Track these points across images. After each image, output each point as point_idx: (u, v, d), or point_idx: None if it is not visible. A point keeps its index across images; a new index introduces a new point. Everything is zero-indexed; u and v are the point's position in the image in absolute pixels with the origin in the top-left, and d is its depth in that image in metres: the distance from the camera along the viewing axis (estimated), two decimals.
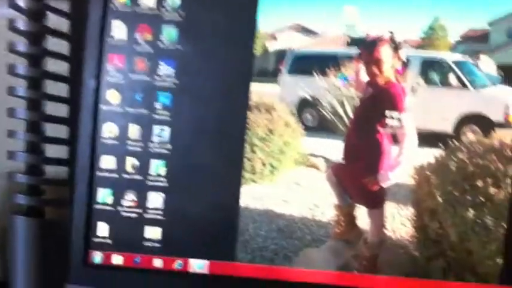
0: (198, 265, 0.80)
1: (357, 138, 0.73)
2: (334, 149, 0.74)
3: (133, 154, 0.78)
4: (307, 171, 0.72)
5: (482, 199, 0.74)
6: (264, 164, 0.74)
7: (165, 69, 0.74)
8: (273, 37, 0.71)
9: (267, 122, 0.71)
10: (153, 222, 0.79)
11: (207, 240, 0.79)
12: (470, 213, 0.74)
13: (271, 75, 0.70)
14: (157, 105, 0.78)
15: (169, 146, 0.77)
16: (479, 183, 0.74)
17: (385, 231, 0.76)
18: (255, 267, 0.79)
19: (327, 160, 0.71)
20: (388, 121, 0.70)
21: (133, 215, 0.79)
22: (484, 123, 0.70)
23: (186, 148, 0.77)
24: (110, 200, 0.79)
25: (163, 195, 0.79)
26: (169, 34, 0.73)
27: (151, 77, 0.75)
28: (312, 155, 0.71)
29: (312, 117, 0.71)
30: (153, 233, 0.80)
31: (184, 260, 0.80)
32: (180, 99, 0.77)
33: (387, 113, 0.71)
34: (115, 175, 0.79)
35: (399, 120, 0.70)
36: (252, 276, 0.79)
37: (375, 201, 0.77)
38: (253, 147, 0.73)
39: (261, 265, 0.79)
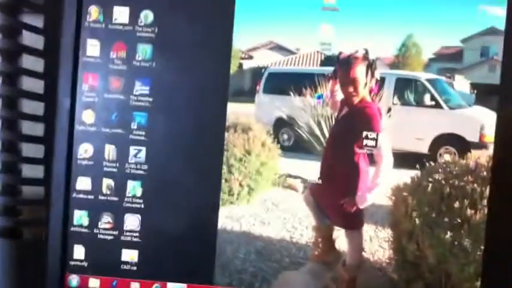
0: None
1: (333, 158, 0.73)
2: (311, 169, 0.74)
3: (109, 175, 0.78)
4: (285, 192, 0.71)
5: (459, 220, 0.73)
6: (241, 185, 0.73)
7: (141, 88, 0.73)
8: (249, 56, 0.71)
9: (243, 142, 0.71)
10: (130, 245, 0.78)
11: (185, 263, 0.78)
12: (448, 234, 0.72)
13: (247, 95, 0.70)
14: (133, 125, 0.77)
15: (145, 167, 0.77)
16: (456, 204, 0.74)
17: (364, 253, 0.75)
18: None
19: (304, 181, 0.70)
20: (365, 141, 0.69)
21: (110, 237, 0.78)
22: (460, 144, 0.70)
23: (162, 168, 0.77)
24: (86, 221, 0.79)
25: (139, 216, 0.78)
26: (144, 51, 0.73)
27: (127, 97, 0.75)
28: (289, 175, 0.71)
29: (289, 137, 0.71)
30: (130, 255, 0.79)
31: (162, 283, 0.79)
32: (156, 119, 0.76)
33: (364, 133, 0.69)
34: (91, 196, 0.79)
35: (375, 140, 0.69)
36: None
37: (353, 222, 0.76)
38: (230, 168, 0.73)
39: None
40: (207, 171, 0.76)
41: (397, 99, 0.70)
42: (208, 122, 0.75)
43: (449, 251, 0.75)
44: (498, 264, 0.74)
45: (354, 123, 0.73)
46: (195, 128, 0.75)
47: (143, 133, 0.76)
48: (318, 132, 0.72)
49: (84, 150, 0.75)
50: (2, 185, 0.78)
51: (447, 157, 0.70)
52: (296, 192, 0.73)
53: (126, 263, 0.78)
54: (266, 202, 0.75)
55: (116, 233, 0.77)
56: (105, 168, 0.77)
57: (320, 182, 0.73)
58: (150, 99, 0.75)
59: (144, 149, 0.76)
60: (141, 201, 0.76)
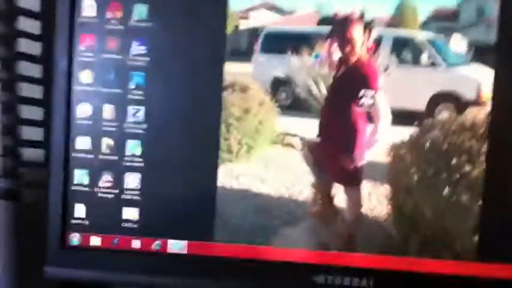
0: (176, 246, 0.80)
1: (331, 116, 0.73)
2: (310, 127, 0.75)
3: (108, 134, 0.78)
4: (283, 150, 0.72)
5: (457, 176, 0.72)
6: (240, 144, 0.73)
7: (137, 48, 0.74)
8: (245, 16, 0.70)
9: (241, 102, 0.70)
10: (131, 203, 0.79)
11: (185, 221, 0.78)
12: (445, 190, 0.71)
13: (244, 55, 0.70)
14: (131, 85, 0.77)
15: (144, 126, 0.77)
16: (454, 160, 0.74)
17: (362, 209, 0.75)
18: (233, 247, 0.80)
19: (302, 139, 0.70)
20: (362, 100, 0.68)
21: (110, 196, 0.79)
22: (457, 102, 0.69)
23: (161, 128, 0.77)
24: (86, 181, 0.79)
25: (139, 175, 0.79)
26: (140, 12, 0.72)
27: (124, 56, 0.75)
28: (288, 134, 0.70)
29: (287, 96, 0.70)
30: (130, 213, 0.80)
31: (162, 240, 0.80)
32: (154, 79, 0.76)
33: (361, 91, 0.69)
34: (91, 156, 0.79)
35: (373, 98, 0.69)
36: (230, 256, 0.79)
37: (352, 179, 0.77)
38: (229, 127, 0.73)
39: (239, 245, 0.79)
40: (205, 130, 0.76)
41: (394, 58, 0.70)
42: (205, 81, 0.75)
43: (446, 206, 0.75)
44: (495, 219, 0.76)
45: (352, 81, 0.73)
46: (193, 88, 0.75)
47: (141, 93, 0.76)
48: (315, 91, 0.71)
49: (83, 111, 0.76)
50: (2, 147, 0.78)
51: (445, 115, 0.70)
52: (295, 150, 0.72)
53: (127, 220, 0.79)
54: (265, 160, 0.76)
55: (116, 191, 0.78)
56: (104, 128, 0.78)
57: (319, 139, 0.72)
58: (147, 59, 0.75)
59: (142, 108, 0.77)
60: (140, 160, 0.77)
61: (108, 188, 0.79)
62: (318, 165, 0.78)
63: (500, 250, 0.76)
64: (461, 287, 0.77)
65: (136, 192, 0.78)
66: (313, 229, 0.80)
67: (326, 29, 0.71)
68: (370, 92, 0.71)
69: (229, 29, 0.70)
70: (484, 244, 0.76)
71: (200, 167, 0.77)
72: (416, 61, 0.72)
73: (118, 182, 0.78)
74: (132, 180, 0.79)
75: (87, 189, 0.78)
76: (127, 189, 0.79)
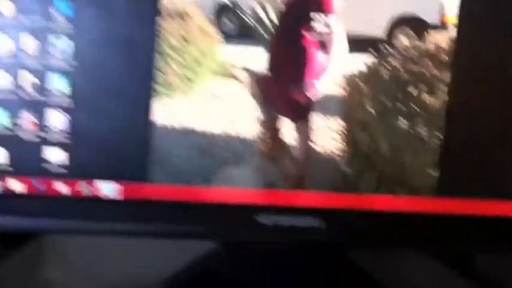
0: (109, 189, 0.74)
1: (282, 46, 0.66)
2: (257, 58, 0.68)
3: (31, 71, 0.70)
4: (227, 83, 0.62)
5: (416, 108, 0.68)
6: (178, 76, 0.62)
7: None
8: None
9: (180, 30, 0.60)
10: (57, 145, 0.72)
11: (119, 162, 0.73)
12: (404, 123, 0.65)
13: None
14: (56, 14, 0.69)
15: (72, 62, 0.69)
16: (413, 91, 0.70)
17: (313, 146, 0.68)
18: (172, 189, 0.74)
19: (248, 71, 0.60)
20: (315, 25, 0.59)
21: (35, 138, 0.72)
22: (418, 26, 0.61)
23: (90, 62, 0.69)
24: (6, 122, 0.71)
25: (67, 115, 0.71)
26: None
27: None
28: (232, 65, 0.61)
29: (232, 24, 0.60)
30: (57, 156, 0.73)
31: (94, 184, 0.74)
32: (82, 6, 0.69)
33: (313, 15, 0.60)
34: (11, 94, 0.71)
35: (327, 24, 0.60)
36: (169, 199, 0.74)
37: (302, 113, 0.72)
38: (166, 58, 0.65)
39: (179, 186, 0.74)
40: (140, 62, 0.70)
41: None
42: (139, 7, 0.69)
43: (404, 140, 0.71)
44: (456, 154, 0.73)
45: (303, 5, 0.64)
46: (126, 15, 0.68)
47: (68, 23, 0.68)
48: (264, 17, 0.62)
49: (1, 43, 0.66)
50: None
51: (404, 41, 0.62)
52: (241, 84, 0.63)
53: (54, 164, 0.73)
54: (207, 95, 0.69)
55: (41, 133, 0.71)
56: (26, 64, 0.70)
57: (267, 71, 0.63)
58: None
59: (69, 41, 0.69)
60: (68, 98, 0.70)
61: (32, 129, 0.71)
62: (266, 99, 0.71)
63: (459, 185, 0.74)
64: (419, 224, 0.75)
65: (64, 133, 0.71)
66: (259, 167, 0.75)
67: None
68: (323, 16, 0.60)
69: None
70: (443, 179, 0.73)
71: (134, 102, 0.71)
72: None
73: (43, 123, 0.71)
74: (59, 120, 0.71)
75: (8, 132, 0.71)
76: (53, 130, 0.71)
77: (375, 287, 0.82)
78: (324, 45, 0.69)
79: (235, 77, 0.67)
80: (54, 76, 0.70)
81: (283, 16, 0.70)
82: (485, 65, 0.66)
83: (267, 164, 0.74)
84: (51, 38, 0.69)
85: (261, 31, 0.66)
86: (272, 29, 0.69)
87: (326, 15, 0.66)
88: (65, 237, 0.96)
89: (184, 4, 0.65)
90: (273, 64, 0.70)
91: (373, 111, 0.67)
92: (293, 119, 0.74)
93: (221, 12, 0.67)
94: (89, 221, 0.75)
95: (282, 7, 0.70)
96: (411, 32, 0.66)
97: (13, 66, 0.70)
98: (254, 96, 0.69)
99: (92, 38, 0.69)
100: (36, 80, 0.70)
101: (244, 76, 0.68)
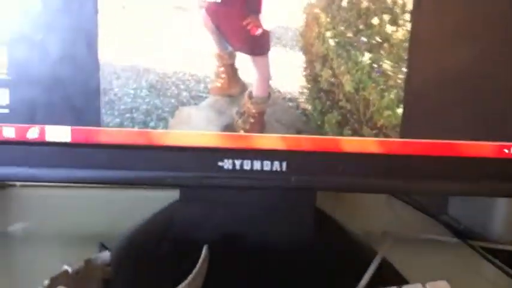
0: (57, 133, 0.71)
1: None
2: None
3: None
4: (177, 14, 0.55)
5: (379, 40, 0.62)
6: (123, 7, 0.57)
7: None
8: None
9: None
10: None
11: (66, 103, 0.69)
12: (366, 57, 0.58)
13: None
14: None
15: None
16: (375, 21, 0.66)
17: (272, 82, 0.60)
18: (124, 132, 0.72)
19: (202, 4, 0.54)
20: None
21: None
22: None
23: None
24: None
25: (5, 48, 0.68)
26: None
27: None
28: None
29: None
30: None
31: (40, 127, 0.71)
32: None
33: None
34: None
35: None
36: (122, 143, 0.72)
37: (258, 46, 0.68)
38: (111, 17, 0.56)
39: (132, 129, 0.72)
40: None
41: None
42: None
43: (367, 75, 0.68)
44: (421, 89, 0.70)
45: None
46: None
47: None
48: None
49: None
50: None
51: None
52: (191, 14, 0.57)
53: None
54: (156, 27, 0.58)
55: None
56: None
57: (220, 7, 0.57)
58: None
59: None
60: (6, 29, 0.66)
61: None
62: (220, 32, 0.64)
63: (424, 125, 0.71)
64: (383, 164, 0.73)
65: (3, 70, 0.68)
66: (217, 107, 0.72)
67: None
68: None
69: None
70: (407, 118, 0.71)
71: (77, 36, 0.68)
72: None
73: None
74: None
75: None
76: None
77: (338, 230, 0.77)
78: None
79: (181, 7, 0.61)
80: None
81: None
82: None
83: (224, 103, 0.68)
84: None
85: None
86: None
87: None
88: (21, 186, 0.90)
89: None
90: None
91: (332, 43, 0.60)
92: (249, 53, 0.69)
93: None
94: (35, 167, 0.72)
95: None
96: None
97: None
98: (206, 27, 0.62)
99: None
100: None
101: (192, 5, 0.61)
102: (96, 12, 0.66)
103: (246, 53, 0.69)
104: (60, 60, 0.65)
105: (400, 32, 0.66)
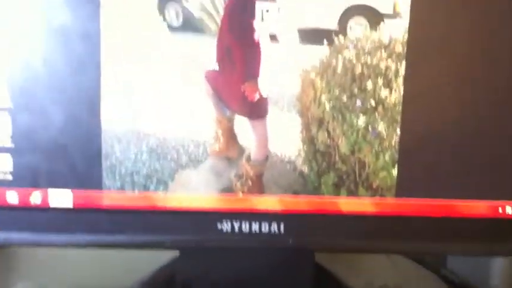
0: (59, 197, 0.72)
1: (230, 38, 0.62)
2: (206, 52, 0.63)
3: None
4: (177, 80, 0.58)
5: (373, 103, 0.61)
6: (125, 74, 0.60)
7: None
8: None
9: (124, 23, 0.56)
10: (1, 150, 0.69)
11: (68, 167, 0.70)
12: (361, 119, 0.60)
13: None
14: None
15: (7, 56, 0.65)
16: (369, 84, 0.66)
17: (269, 145, 0.63)
18: (125, 196, 0.73)
19: (198, 66, 0.56)
20: (264, 16, 0.56)
21: None
22: (372, 15, 0.58)
23: (29, 57, 0.67)
24: None
25: (8, 115, 0.69)
26: None
27: None
28: (181, 60, 0.56)
29: (177, 15, 0.57)
30: (1, 161, 0.70)
31: (42, 191, 0.71)
32: None
33: (262, 7, 0.56)
34: None
35: (276, 15, 0.56)
36: (123, 206, 0.72)
37: (256, 111, 0.69)
38: (110, 54, 0.58)
39: (132, 193, 0.72)
40: (82, 58, 0.68)
41: None
42: None
43: (362, 137, 0.69)
44: (415, 150, 0.70)
45: (251, 2, 0.57)
46: (66, 6, 0.66)
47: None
48: (210, 7, 0.59)
49: None
50: None
51: (358, 32, 0.59)
52: (190, 80, 0.59)
53: None
54: (156, 93, 0.59)
55: None
56: None
57: (217, 66, 0.59)
58: None
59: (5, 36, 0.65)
60: (7, 96, 0.67)
61: None
62: (218, 96, 0.66)
63: (419, 184, 0.72)
64: (380, 225, 0.73)
65: (7, 138, 0.69)
66: (215, 171, 0.73)
67: None
68: (273, 8, 0.57)
69: None
70: (402, 179, 0.72)
71: (80, 102, 0.69)
72: None
73: None
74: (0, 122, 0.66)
75: None
76: None
77: (338, 286, 0.78)
78: (274, 38, 0.65)
79: (184, 73, 0.63)
80: None
81: (229, 6, 0.66)
82: (439, 54, 0.60)
83: (222, 167, 0.70)
84: None
85: (208, 22, 0.63)
86: (219, 20, 0.62)
87: (274, 5, 0.59)
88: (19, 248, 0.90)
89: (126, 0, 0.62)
90: (222, 58, 0.67)
91: (328, 106, 0.62)
92: (247, 117, 0.71)
93: (164, 2, 0.64)
94: (39, 233, 0.73)
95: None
96: (364, 22, 0.62)
97: None
98: (205, 93, 0.64)
99: (30, 30, 0.67)
100: None
101: (193, 71, 0.63)
102: (99, 78, 0.67)
103: (244, 116, 0.71)
104: (63, 126, 0.67)
105: (394, 96, 0.67)
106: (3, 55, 0.66)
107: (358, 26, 0.65)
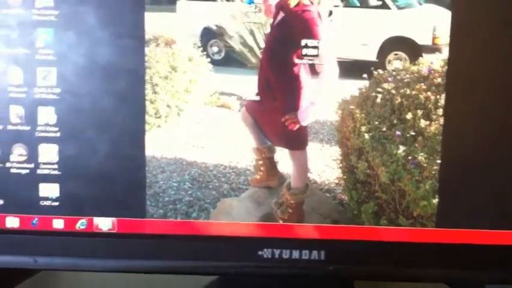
0: (104, 224, 0.73)
1: (271, 71, 0.62)
2: (247, 84, 0.66)
3: (17, 102, 0.70)
4: (219, 112, 0.61)
5: (413, 133, 0.62)
6: (168, 106, 0.61)
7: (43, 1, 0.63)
8: None
9: (167, 58, 0.59)
10: (48, 178, 0.71)
11: (112, 196, 0.71)
12: (401, 149, 0.61)
13: (166, 2, 0.57)
14: (39, 43, 0.68)
15: (57, 90, 0.68)
16: (409, 115, 0.67)
17: (309, 174, 0.64)
18: (168, 223, 0.73)
19: (239, 98, 0.59)
20: (304, 50, 0.58)
21: (25, 171, 0.71)
22: (411, 48, 0.59)
23: (77, 90, 0.68)
24: None
25: (56, 146, 0.70)
26: None
27: (28, 11, 0.65)
28: (222, 93, 0.59)
29: (219, 49, 0.59)
30: (49, 190, 0.71)
31: (88, 219, 0.72)
32: (64, 34, 0.68)
33: (303, 41, 0.58)
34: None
35: (316, 48, 0.58)
36: (166, 233, 0.73)
37: (296, 141, 0.70)
38: (154, 87, 0.61)
39: (175, 220, 0.73)
40: (128, 92, 0.68)
41: (338, 2, 0.59)
42: (125, 33, 0.66)
43: (402, 167, 0.69)
44: (456, 179, 0.70)
45: (291, 30, 0.62)
46: (111, 43, 0.66)
47: (51, 52, 0.67)
48: (251, 42, 0.61)
49: None
50: None
51: (397, 64, 0.60)
52: (231, 112, 0.61)
53: (46, 198, 0.71)
54: (198, 124, 0.63)
55: (31, 165, 0.70)
56: (11, 94, 0.69)
57: (258, 98, 0.61)
58: (55, 12, 0.66)
59: (54, 69, 0.68)
60: (56, 129, 0.69)
61: (21, 162, 0.70)
62: (259, 127, 0.68)
63: (460, 214, 0.71)
64: (420, 255, 0.72)
65: (54, 166, 0.70)
66: (257, 199, 0.73)
67: None
68: (313, 42, 0.58)
69: None
70: (443, 208, 0.71)
71: (125, 134, 0.69)
72: (363, 2, 0.61)
73: (32, 155, 0.70)
74: (48, 153, 0.70)
75: None
76: (43, 163, 0.70)
77: None
78: (314, 70, 0.65)
79: (225, 105, 0.65)
80: (41, 106, 0.70)
81: (270, 40, 0.69)
82: (479, 85, 0.61)
83: (263, 194, 0.72)
84: (35, 67, 0.69)
85: (249, 56, 0.64)
86: (260, 54, 0.63)
87: (316, 40, 0.61)
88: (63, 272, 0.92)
89: (169, 30, 0.64)
90: (263, 90, 0.69)
91: (367, 136, 0.62)
92: (287, 147, 0.71)
93: (207, 38, 0.65)
94: (83, 257, 0.73)
95: (270, 31, 0.68)
96: (403, 55, 0.63)
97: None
98: (246, 124, 0.66)
99: (74, 65, 0.69)
100: (22, 111, 0.70)
101: (235, 104, 0.65)
102: (143, 110, 0.69)
103: (284, 147, 0.72)
104: (109, 156, 0.68)
105: (434, 126, 0.67)
106: (52, 89, 0.68)
107: (397, 59, 0.66)
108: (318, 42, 0.66)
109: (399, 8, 0.64)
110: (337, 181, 0.71)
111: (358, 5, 0.64)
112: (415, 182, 0.69)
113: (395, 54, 0.64)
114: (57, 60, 0.67)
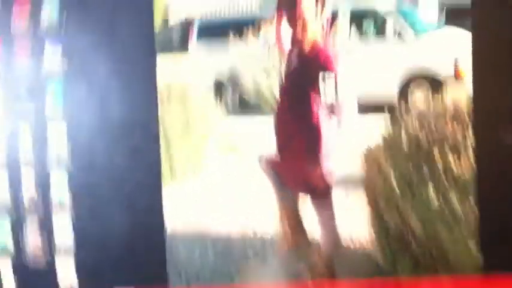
0: None
1: (289, 120, 0.58)
2: (264, 137, 0.56)
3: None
4: (237, 178, 0.56)
5: (443, 174, 0.55)
6: (184, 166, 0.57)
7: (52, 51, 0.62)
8: (174, 7, 0.58)
9: (181, 112, 0.56)
10: (64, 254, 0.66)
11: (135, 273, 0.68)
12: (431, 192, 0.56)
13: (178, 49, 0.57)
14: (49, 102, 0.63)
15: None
16: (435, 150, 0.62)
17: (338, 232, 0.56)
18: None
19: (260, 156, 0.55)
20: (323, 93, 0.55)
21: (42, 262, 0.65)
22: (432, 79, 0.56)
23: (88, 155, 0.64)
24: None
25: (69, 218, 0.66)
26: (52, 11, 0.60)
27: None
28: (237, 145, 0.56)
29: (233, 100, 0.57)
30: (66, 269, 0.67)
31: None
32: (72, 93, 0.63)
33: (320, 82, 0.55)
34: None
35: (335, 90, 0.55)
36: None
37: (320, 192, 0.65)
38: (169, 145, 0.56)
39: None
40: (144, 153, 0.65)
41: (354, 34, 0.57)
42: (137, 94, 0.61)
43: (436, 215, 0.65)
44: (494, 222, 0.64)
45: (309, 75, 0.59)
46: (122, 99, 0.63)
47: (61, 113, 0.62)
48: (266, 92, 0.58)
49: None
50: None
51: (419, 95, 0.57)
52: (251, 175, 0.58)
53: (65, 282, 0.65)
54: (218, 195, 0.57)
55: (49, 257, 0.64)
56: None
57: (277, 152, 0.58)
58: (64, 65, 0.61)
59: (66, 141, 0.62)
60: (68, 202, 0.63)
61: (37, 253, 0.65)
62: (280, 181, 0.60)
63: (503, 257, 0.63)
64: None
65: (70, 242, 0.66)
66: (285, 263, 0.71)
67: (271, 10, 0.58)
68: (330, 80, 0.56)
69: (158, 23, 0.58)
70: (484, 253, 0.63)
71: (143, 208, 0.66)
72: (380, 35, 0.60)
73: (48, 242, 0.65)
74: (63, 228, 0.65)
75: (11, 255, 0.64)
76: (60, 249, 0.65)
77: None
78: (333, 110, 0.63)
79: (243, 157, 0.63)
80: (55, 174, 0.65)
81: (287, 88, 0.68)
82: (507, 118, 0.56)
83: (291, 257, 0.64)
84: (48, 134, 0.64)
85: (262, 103, 0.62)
86: (273, 100, 0.62)
87: (332, 78, 0.58)
88: None
89: (182, 86, 0.63)
90: (283, 143, 0.69)
91: (395, 181, 0.58)
92: (311, 199, 0.69)
93: (221, 88, 0.64)
94: None
95: (285, 80, 0.64)
96: (425, 85, 0.61)
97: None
98: (268, 176, 0.63)
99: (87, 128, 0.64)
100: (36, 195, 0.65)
101: (253, 156, 0.63)
102: (158, 170, 0.65)
103: (308, 194, 0.70)
104: (126, 234, 0.64)
105: (464, 165, 0.63)
106: (65, 157, 0.64)
107: (418, 91, 0.63)
108: (335, 81, 0.62)
109: (418, 33, 0.62)
110: (368, 237, 0.70)
111: (375, 35, 0.63)
112: (450, 228, 0.66)
113: (417, 86, 0.62)
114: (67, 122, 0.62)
